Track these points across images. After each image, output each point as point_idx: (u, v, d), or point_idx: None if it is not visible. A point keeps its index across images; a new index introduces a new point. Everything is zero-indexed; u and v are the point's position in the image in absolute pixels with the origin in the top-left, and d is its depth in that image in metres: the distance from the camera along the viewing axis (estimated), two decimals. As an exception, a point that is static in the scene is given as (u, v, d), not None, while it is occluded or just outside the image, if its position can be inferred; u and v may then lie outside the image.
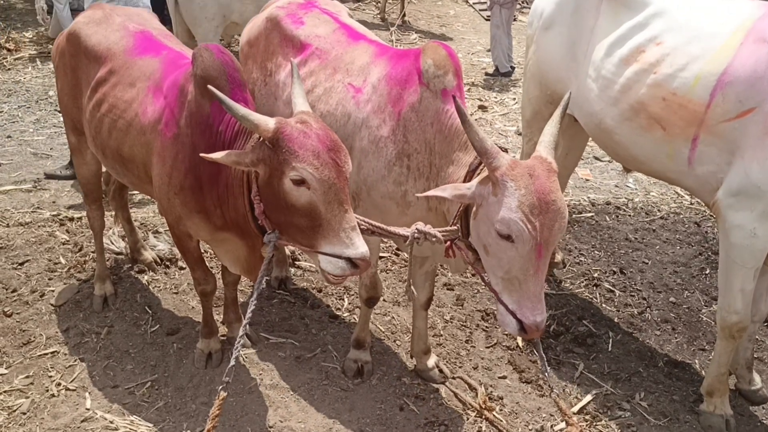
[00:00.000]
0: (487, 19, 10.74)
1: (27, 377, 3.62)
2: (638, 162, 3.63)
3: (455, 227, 2.78)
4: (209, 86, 2.57)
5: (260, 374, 3.66)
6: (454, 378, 3.80)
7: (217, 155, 2.49)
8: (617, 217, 5.66)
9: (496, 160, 2.48)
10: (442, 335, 4.14)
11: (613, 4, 3.65)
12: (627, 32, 3.53)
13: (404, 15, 11.69)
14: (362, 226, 2.63)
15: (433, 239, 2.71)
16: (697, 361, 4.09)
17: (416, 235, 2.68)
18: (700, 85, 3.21)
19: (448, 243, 2.80)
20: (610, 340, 4.19)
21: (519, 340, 4.12)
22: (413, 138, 2.96)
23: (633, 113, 3.46)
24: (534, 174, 2.46)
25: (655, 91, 3.36)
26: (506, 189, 2.45)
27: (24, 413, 3.40)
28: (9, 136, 6.76)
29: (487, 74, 9.38)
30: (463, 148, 2.86)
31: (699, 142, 3.25)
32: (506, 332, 3.43)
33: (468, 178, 2.76)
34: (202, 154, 2.50)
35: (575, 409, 3.66)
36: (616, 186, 6.27)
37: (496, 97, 8.70)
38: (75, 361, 3.73)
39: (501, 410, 3.60)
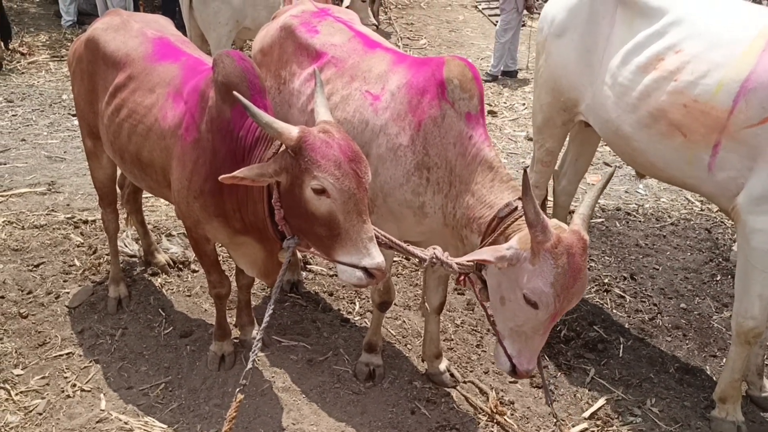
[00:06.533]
0: (496, 24, 10.81)
1: (43, 378, 3.66)
2: (656, 168, 3.65)
3: (472, 264, 2.84)
4: (234, 93, 2.59)
5: (273, 377, 3.69)
6: (465, 382, 3.82)
7: (239, 172, 2.50)
8: (627, 222, 5.67)
9: (544, 235, 2.53)
10: (453, 339, 4.16)
11: (629, 12, 3.67)
12: (644, 40, 3.54)
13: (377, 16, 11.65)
14: (381, 240, 2.66)
15: (449, 270, 2.80)
16: (708, 367, 4.09)
17: (434, 260, 2.76)
18: (722, 92, 3.23)
19: (462, 277, 2.90)
20: (621, 346, 4.20)
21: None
22: (434, 152, 2.98)
23: (652, 120, 3.47)
24: (572, 253, 2.55)
25: (675, 98, 3.37)
26: (546, 264, 2.54)
27: (40, 414, 3.44)
28: (23, 140, 6.82)
29: (492, 75, 9.44)
30: (486, 185, 2.91)
31: (720, 149, 3.26)
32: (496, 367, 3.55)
33: (494, 223, 2.82)
34: (221, 177, 2.50)
35: (586, 414, 3.67)
36: (626, 192, 6.28)
37: (505, 103, 8.73)
38: (90, 362, 3.77)
39: (512, 415, 3.62)
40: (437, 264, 2.77)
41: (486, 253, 2.64)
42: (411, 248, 2.81)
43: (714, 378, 3.95)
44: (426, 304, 3.63)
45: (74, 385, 3.61)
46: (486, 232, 2.85)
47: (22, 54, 9.42)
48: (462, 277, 2.91)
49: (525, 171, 2.55)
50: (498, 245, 2.70)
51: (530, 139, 7.43)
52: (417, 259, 2.83)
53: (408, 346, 4.07)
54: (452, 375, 3.80)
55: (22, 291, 4.26)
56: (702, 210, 5.91)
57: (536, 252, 2.56)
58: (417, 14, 12.87)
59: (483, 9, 13.34)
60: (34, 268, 4.47)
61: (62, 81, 8.58)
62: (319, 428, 3.39)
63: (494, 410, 3.58)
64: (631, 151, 3.69)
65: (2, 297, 4.15)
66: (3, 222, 4.90)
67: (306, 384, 3.66)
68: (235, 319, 3.99)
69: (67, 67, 4.20)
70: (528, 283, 2.59)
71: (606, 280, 4.83)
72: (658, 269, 5.03)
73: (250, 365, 2.54)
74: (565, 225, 2.72)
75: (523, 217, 2.63)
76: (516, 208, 2.79)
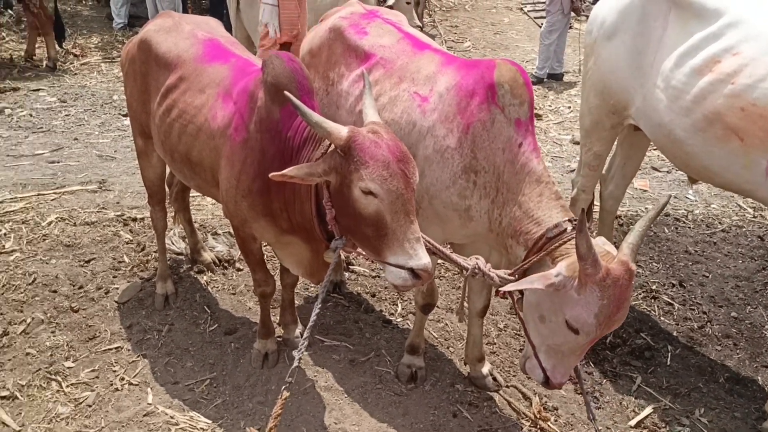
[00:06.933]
0: (541, 26, 10.72)
1: (92, 371, 3.73)
2: (710, 173, 3.57)
3: (514, 278, 2.86)
4: (286, 92, 2.62)
5: (315, 376, 3.70)
6: (508, 387, 3.79)
7: (289, 171, 2.52)
8: (676, 229, 5.56)
9: (594, 269, 2.53)
10: (495, 343, 4.13)
11: (683, 14, 3.60)
12: (699, 42, 3.47)
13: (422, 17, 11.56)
14: (425, 245, 2.65)
15: (490, 281, 2.85)
16: (759, 377, 3.99)
17: (475, 270, 2.81)
18: None
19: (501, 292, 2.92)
20: (669, 354, 4.12)
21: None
22: (482, 156, 2.96)
23: (707, 124, 3.40)
24: (618, 284, 2.55)
25: (732, 102, 3.30)
26: (593, 296, 2.55)
27: (89, 406, 3.51)
28: (76, 139, 7.00)
29: (537, 78, 9.35)
30: (534, 199, 2.89)
31: None
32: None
33: (542, 242, 2.82)
34: (272, 174, 2.53)
35: (632, 422, 3.61)
36: (675, 197, 6.15)
37: (550, 105, 8.63)
38: (138, 356, 3.84)
39: (556, 421, 3.58)
40: (478, 275, 2.81)
41: (537, 282, 2.65)
42: (454, 256, 2.84)
43: (766, 389, 3.85)
44: (464, 309, 3.62)
45: (122, 379, 3.68)
46: (532, 249, 2.85)
47: (75, 55, 9.69)
48: (502, 292, 2.92)
49: (583, 211, 2.57)
50: (547, 272, 2.69)
51: (576, 143, 7.34)
52: (458, 268, 2.85)
53: (450, 348, 4.06)
54: (495, 379, 3.77)
55: (73, 286, 4.35)
56: (755, 217, 5.76)
57: (584, 283, 2.56)
58: (461, 17, 12.83)
59: (528, 11, 13.24)
60: (85, 264, 4.56)
61: (113, 82, 8.80)
62: (360, 428, 3.40)
63: (537, 416, 3.54)
64: (683, 155, 3.62)
65: (55, 291, 4.25)
66: (56, 218, 5.02)
67: (348, 384, 3.67)
68: (278, 317, 4.02)
69: (120, 68, 4.29)
70: (572, 310, 2.61)
71: (654, 287, 4.74)
72: (707, 277, 4.92)
73: (296, 363, 2.56)
74: (612, 247, 2.72)
75: (572, 241, 2.65)
76: (565, 230, 2.78)
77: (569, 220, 2.82)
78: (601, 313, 2.56)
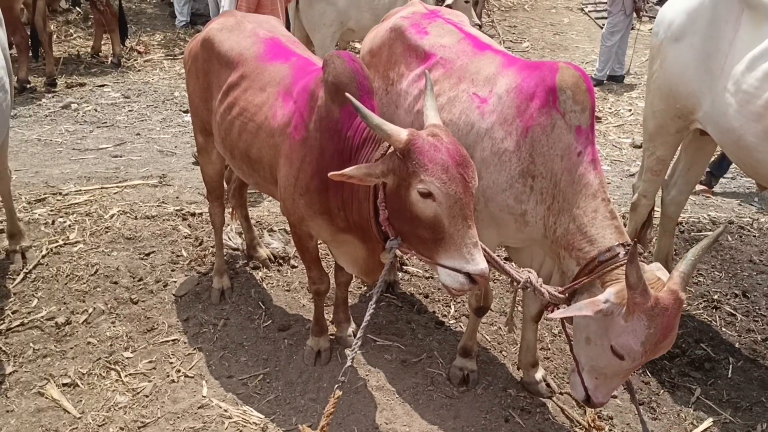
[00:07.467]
0: (602, 27, 10.51)
1: (150, 362, 3.82)
2: None
3: (564, 296, 2.88)
4: (346, 93, 2.63)
5: (367, 375, 3.71)
6: (561, 393, 3.73)
7: (348, 170, 2.53)
8: (740, 237, 5.37)
9: (643, 298, 2.53)
10: (549, 349, 4.07)
11: (756, 16, 3.46)
12: None
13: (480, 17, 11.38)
14: None
15: (540, 297, 2.87)
16: (827, 395, 3.82)
17: (527, 284, 2.82)
18: None
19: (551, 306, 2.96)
20: (731, 366, 3.98)
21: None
22: (540, 161, 2.92)
23: None
24: (667, 314, 2.56)
25: None
26: (640, 324, 2.57)
27: (147, 396, 3.59)
28: (138, 134, 7.18)
29: (597, 79, 9.16)
30: (588, 214, 2.85)
31: None
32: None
33: (593, 264, 2.80)
34: (331, 173, 2.55)
35: (691, 436, 3.51)
36: (740, 204, 5.95)
37: (610, 108, 8.46)
38: (194, 349, 3.91)
39: (611, 431, 3.50)
40: (529, 288, 2.82)
41: (586, 309, 2.65)
42: (507, 267, 2.85)
43: (835, 408, 3.68)
44: (513, 320, 3.62)
45: (179, 371, 3.75)
46: (583, 270, 2.84)
47: (139, 52, 9.95)
48: (551, 306, 2.96)
49: (635, 242, 2.56)
50: (595, 298, 2.69)
51: (636, 146, 7.18)
52: (510, 279, 2.84)
53: (503, 352, 4.01)
54: (548, 385, 3.71)
55: (133, 278, 4.46)
56: (824, 227, 5.53)
57: (632, 311, 2.56)
58: (520, 17, 12.69)
59: (589, 11, 13.00)
60: (145, 257, 4.67)
61: (175, 79, 8.99)
62: (411, 429, 3.39)
63: (591, 424, 3.47)
64: (753, 162, 3.49)
65: (115, 283, 4.37)
66: (118, 211, 5.16)
67: (399, 384, 3.66)
68: (332, 315, 4.04)
69: (183, 65, 4.38)
70: (618, 337, 2.62)
71: (715, 297, 4.60)
72: (773, 288, 4.75)
73: (349, 362, 2.57)
74: (665, 273, 2.69)
75: (623, 267, 2.63)
76: (617, 255, 2.76)
77: (622, 245, 2.79)
78: (648, 341, 2.57)
